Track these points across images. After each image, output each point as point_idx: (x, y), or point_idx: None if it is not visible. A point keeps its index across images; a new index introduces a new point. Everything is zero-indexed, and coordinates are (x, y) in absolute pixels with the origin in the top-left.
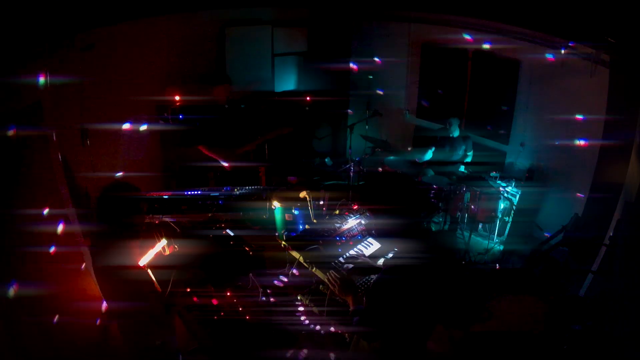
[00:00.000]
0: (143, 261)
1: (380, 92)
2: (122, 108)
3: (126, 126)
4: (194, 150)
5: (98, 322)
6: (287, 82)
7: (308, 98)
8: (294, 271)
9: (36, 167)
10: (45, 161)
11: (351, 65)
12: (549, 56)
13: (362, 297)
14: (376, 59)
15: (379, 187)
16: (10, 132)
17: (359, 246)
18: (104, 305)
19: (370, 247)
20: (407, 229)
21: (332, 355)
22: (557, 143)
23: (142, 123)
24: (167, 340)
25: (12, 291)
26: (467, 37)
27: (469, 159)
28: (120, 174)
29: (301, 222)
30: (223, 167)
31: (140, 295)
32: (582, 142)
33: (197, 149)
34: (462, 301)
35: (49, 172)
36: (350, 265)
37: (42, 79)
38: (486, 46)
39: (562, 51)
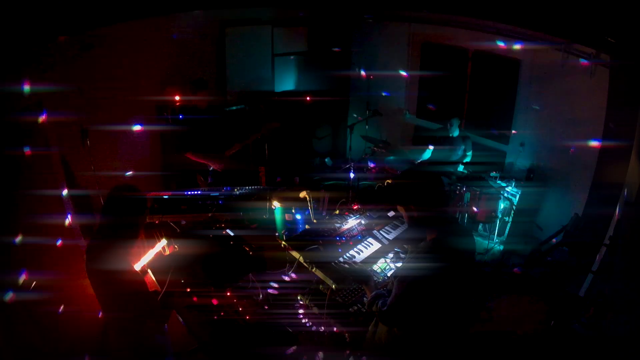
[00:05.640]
0: (142, 261)
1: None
2: (122, 108)
3: (126, 126)
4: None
5: (97, 321)
6: (287, 82)
7: (308, 98)
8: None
9: (36, 167)
10: (46, 161)
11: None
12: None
13: (386, 283)
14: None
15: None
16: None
17: (359, 246)
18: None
19: (370, 247)
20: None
21: (331, 354)
22: (557, 143)
23: (142, 123)
24: (161, 339)
25: (11, 294)
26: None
27: (468, 159)
28: (120, 173)
29: (301, 222)
30: (215, 168)
31: (135, 296)
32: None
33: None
34: (464, 301)
35: (49, 172)
36: (361, 258)
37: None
38: (487, 45)
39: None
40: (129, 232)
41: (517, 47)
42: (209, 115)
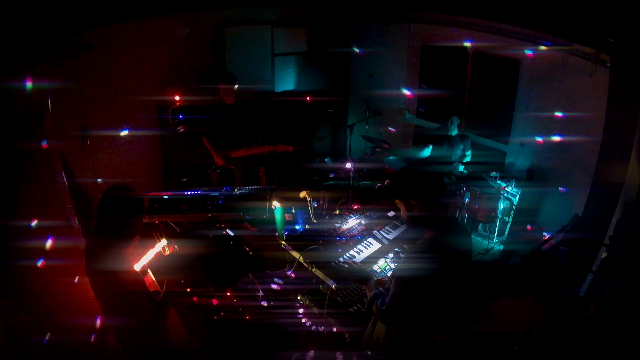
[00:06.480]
0: (142, 261)
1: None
2: (122, 108)
3: (126, 127)
4: (193, 150)
5: (97, 323)
6: (287, 82)
7: (308, 98)
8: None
9: (36, 167)
10: (45, 162)
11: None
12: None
13: (385, 282)
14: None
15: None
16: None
17: (359, 246)
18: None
19: (370, 247)
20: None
21: (332, 354)
22: (556, 140)
23: (142, 124)
24: (162, 340)
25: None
26: (468, 42)
27: (468, 159)
28: (120, 175)
29: (301, 222)
30: (218, 163)
31: (135, 296)
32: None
33: (199, 142)
34: (462, 301)
35: (49, 173)
36: (361, 258)
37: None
38: (487, 44)
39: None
40: (126, 232)
41: (516, 46)
42: (215, 115)
